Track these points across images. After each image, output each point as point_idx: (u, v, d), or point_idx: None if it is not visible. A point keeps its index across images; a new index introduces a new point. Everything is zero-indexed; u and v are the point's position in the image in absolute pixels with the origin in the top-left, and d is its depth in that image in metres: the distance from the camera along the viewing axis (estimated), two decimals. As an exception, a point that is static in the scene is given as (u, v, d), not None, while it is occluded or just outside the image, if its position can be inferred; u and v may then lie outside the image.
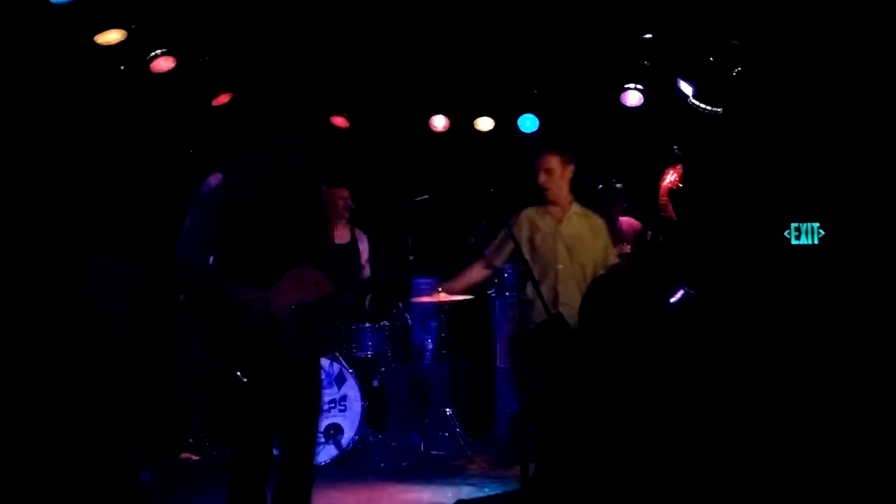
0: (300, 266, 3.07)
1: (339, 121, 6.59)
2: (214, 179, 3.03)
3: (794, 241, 5.92)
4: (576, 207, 4.59)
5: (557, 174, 4.50)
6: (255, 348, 2.95)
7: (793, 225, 5.93)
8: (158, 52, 5.38)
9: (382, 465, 5.40)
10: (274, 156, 3.08)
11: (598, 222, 4.64)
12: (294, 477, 3.12)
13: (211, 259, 3.04)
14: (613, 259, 4.60)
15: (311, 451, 3.22)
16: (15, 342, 1.69)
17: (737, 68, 5.45)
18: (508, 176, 6.68)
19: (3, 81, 4.61)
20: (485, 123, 6.82)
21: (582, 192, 4.78)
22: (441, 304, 6.06)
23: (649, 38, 5.62)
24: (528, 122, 6.65)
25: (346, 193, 5.77)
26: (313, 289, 3.07)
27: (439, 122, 6.74)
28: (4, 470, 1.64)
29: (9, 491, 1.62)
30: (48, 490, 1.68)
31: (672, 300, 3.79)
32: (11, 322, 1.69)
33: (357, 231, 5.94)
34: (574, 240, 4.47)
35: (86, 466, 1.72)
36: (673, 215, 4.52)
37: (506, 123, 6.75)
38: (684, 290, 3.76)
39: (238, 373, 2.93)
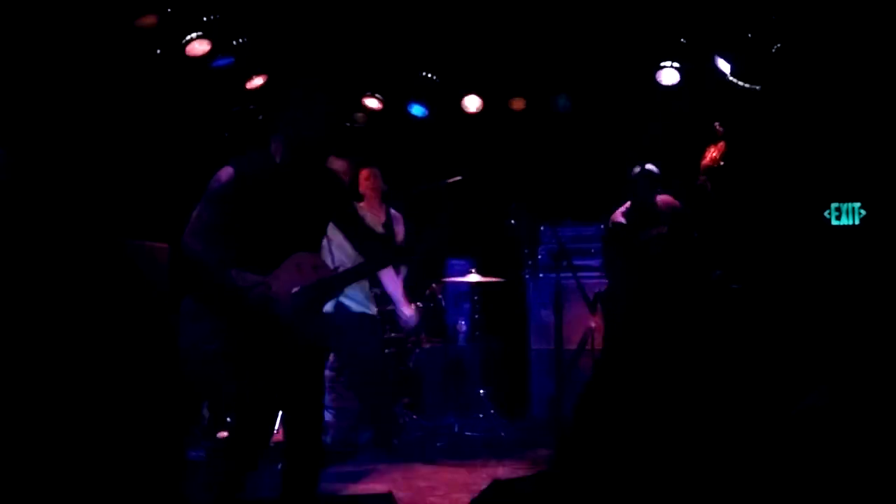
0: (301, 251, 3.08)
1: (372, 102, 6.58)
2: (225, 174, 3.05)
3: (834, 222, 5.82)
4: None
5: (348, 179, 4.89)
6: (256, 333, 2.99)
7: (833, 205, 5.83)
8: (194, 35, 5.39)
9: (417, 446, 5.44)
10: (289, 129, 3.06)
11: None
12: (301, 463, 3.10)
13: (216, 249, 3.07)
14: None
15: (317, 435, 3.17)
16: (70, 320, 1.72)
17: (776, 45, 5.33)
18: (542, 156, 6.64)
19: (43, 67, 4.67)
20: (518, 103, 6.76)
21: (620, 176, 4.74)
22: (475, 286, 6.05)
23: (686, 15, 5.52)
24: (562, 102, 6.58)
25: (365, 173, 5.69)
26: (313, 273, 3.09)
27: (472, 103, 6.70)
28: (55, 444, 1.68)
29: (63, 464, 1.66)
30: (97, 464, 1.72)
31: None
32: (65, 303, 1.73)
33: (392, 212, 5.93)
34: None
35: (133, 442, 1.76)
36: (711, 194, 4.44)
37: (539, 104, 6.68)
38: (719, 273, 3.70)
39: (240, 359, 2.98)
